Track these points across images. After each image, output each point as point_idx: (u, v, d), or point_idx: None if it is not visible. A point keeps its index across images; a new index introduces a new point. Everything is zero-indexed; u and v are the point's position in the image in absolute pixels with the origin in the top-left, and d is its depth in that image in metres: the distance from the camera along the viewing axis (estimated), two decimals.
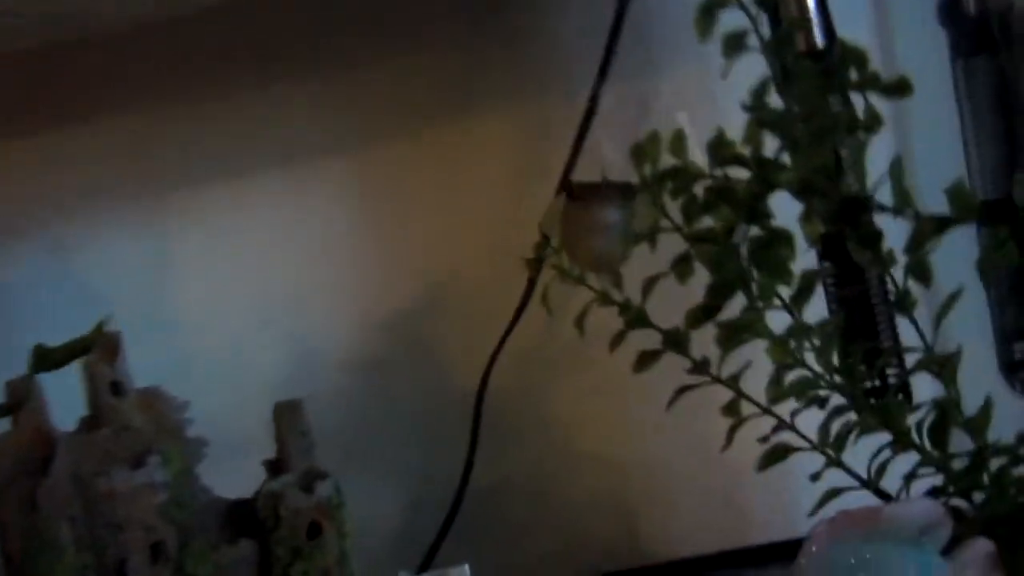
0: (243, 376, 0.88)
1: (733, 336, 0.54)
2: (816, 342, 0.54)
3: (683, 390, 0.57)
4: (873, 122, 0.54)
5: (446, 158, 0.88)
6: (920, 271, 0.51)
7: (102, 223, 0.90)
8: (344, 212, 0.89)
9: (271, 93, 0.89)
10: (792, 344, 0.54)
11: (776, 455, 0.56)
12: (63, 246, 0.89)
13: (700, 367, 0.58)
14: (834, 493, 0.56)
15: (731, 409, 0.58)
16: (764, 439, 0.57)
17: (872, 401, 0.57)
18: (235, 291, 0.89)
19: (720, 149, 0.57)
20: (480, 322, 0.88)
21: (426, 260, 0.88)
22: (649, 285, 0.58)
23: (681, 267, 0.57)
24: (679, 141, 0.62)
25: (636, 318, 0.58)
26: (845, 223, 0.53)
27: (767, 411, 0.56)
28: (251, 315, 0.89)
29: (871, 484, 0.55)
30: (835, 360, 0.55)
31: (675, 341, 0.57)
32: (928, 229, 0.50)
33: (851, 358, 0.55)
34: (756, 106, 0.55)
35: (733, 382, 0.56)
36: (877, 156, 0.52)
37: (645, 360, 0.59)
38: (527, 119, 0.86)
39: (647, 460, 0.87)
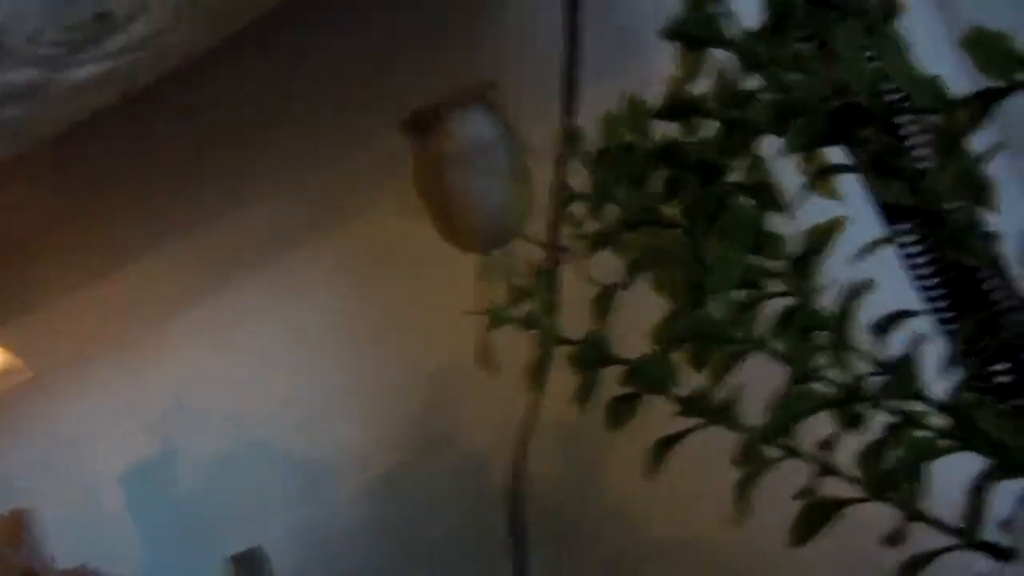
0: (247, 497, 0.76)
1: (706, 350, 0.36)
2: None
3: (669, 441, 0.40)
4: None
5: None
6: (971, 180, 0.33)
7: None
8: (335, 307, 0.77)
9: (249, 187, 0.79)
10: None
11: (818, 515, 0.37)
12: None
13: (691, 405, 0.40)
14: (926, 559, 0.36)
15: (750, 454, 0.39)
16: (806, 493, 0.39)
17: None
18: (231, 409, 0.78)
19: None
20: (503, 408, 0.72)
21: (429, 349, 0.74)
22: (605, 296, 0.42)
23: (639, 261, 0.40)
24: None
25: (550, 338, 0.41)
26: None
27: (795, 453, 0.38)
28: (252, 434, 0.78)
29: (970, 536, 0.35)
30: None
31: (648, 374, 0.40)
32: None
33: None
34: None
35: (725, 415, 0.38)
36: None
37: (618, 412, 0.42)
38: None
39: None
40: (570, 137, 0.46)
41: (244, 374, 0.80)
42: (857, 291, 0.37)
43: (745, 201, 0.36)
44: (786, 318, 0.35)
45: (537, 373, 0.45)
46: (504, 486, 0.68)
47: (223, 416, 0.83)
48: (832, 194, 0.43)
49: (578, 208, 0.49)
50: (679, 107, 0.43)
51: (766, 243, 0.38)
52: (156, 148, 0.81)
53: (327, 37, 0.77)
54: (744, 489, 0.37)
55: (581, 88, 0.62)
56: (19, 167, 0.77)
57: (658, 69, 0.65)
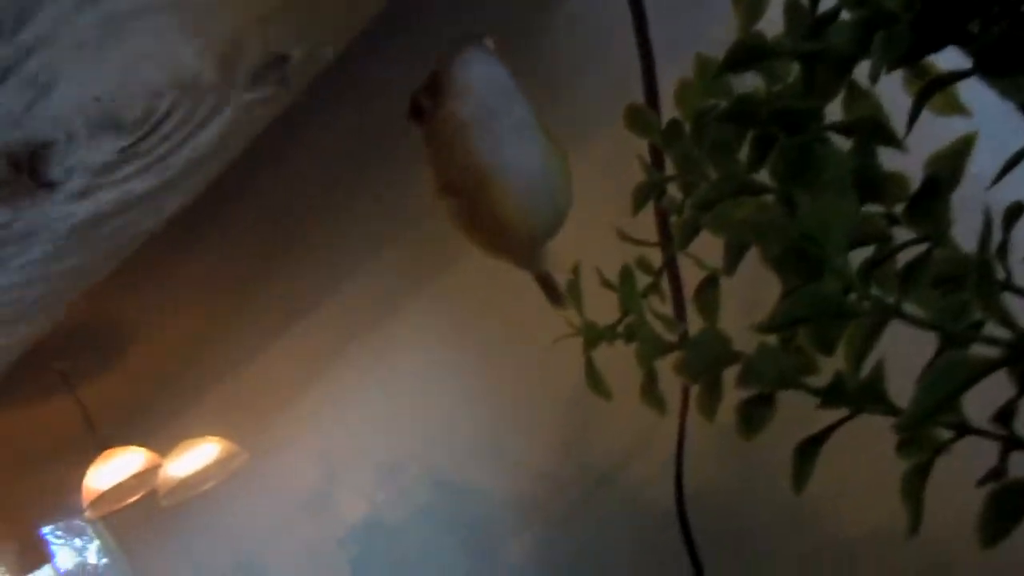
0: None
1: (830, 327, 0.30)
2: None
3: (814, 443, 0.33)
4: None
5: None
6: None
7: None
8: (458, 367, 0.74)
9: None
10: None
11: (1013, 502, 0.30)
12: None
13: (831, 395, 0.33)
14: None
15: (915, 439, 0.32)
16: (993, 475, 0.31)
17: None
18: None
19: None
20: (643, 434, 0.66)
21: (556, 382, 0.70)
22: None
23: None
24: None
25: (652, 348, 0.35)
26: None
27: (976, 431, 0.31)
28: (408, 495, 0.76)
29: None
30: None
31: (768, 368, 0.34)
32: None
33: None
34: None
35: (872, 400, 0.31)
36: None
37: (751, 418, 0.36)
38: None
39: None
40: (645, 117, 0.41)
41: (382, 437, 0.79)
42: (1010, 217, 0.29)
43: (842, 145, 0.30)
44: (917, 270, 0.28)
45: (649, 389, 0.39)
46: (669, 505, 0.63)
47: (378, 478, 0.81)
48: (954, 109, 0.36)
49: (669, 195, 0.43)
50: (746, 53, 0.37)
51: (880, 186, 0.32)
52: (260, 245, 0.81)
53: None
54: (914, 482, 0.30)
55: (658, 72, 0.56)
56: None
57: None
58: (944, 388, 0.24)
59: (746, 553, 0.63)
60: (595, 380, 0.41)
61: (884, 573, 0.58)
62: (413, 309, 0.78)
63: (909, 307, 0.28)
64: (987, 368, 0.25)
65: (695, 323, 0.41)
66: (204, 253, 0.79)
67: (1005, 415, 0.28)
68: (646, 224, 0.47)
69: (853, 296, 0.28)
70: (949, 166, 0.32)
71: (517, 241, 0.36)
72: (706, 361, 0.36)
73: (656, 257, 0.45)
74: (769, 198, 0.35)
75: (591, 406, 0.64)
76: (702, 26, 0.61)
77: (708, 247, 0.43)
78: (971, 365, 0.25)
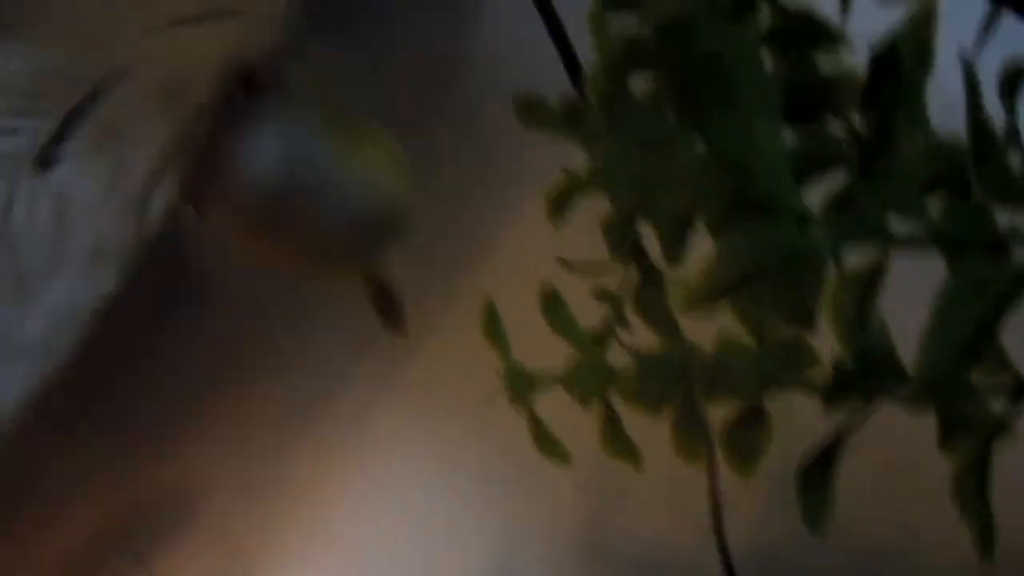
0: None
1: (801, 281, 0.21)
2: None
3: (822, 464, 0.24)
4: None
5: None
6: None
7: None
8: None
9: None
10: None
11: None
12: None
13: (836, 390, 0.24)
14: None
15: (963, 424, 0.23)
16: None
17: None
18: None
19: None
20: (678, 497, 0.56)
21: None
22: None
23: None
24: None
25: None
26: None
27: None
28: None
29: None
30: None
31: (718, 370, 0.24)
32: None
33: None
34: None
35: None
36: None
37: (738, 440, 0.27)
38: None
39: None
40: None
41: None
42: (1011, 82, 0.21)
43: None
44: (885, 162, 0.19)
45: (614, 435, 0.30)
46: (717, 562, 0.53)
47: None
48: None
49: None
50: None
51: (825, 92, 0.23)
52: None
53: None
54: (970, 486, 0.21)
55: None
56: None
57: None
58: (969, 318, 0.15)
59: None
60: (544, 440, 0.32)
61: None
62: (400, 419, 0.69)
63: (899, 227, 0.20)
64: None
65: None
66: None
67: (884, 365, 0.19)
68: None
69: (821, 233, 0.20)
70: (910, 43, 0.23)
71: (343, 261, 0.29)
72: (666, 382, 0.27)
73: None
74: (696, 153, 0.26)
75: (613, 477, 0.55)
76: None
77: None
78: (1002, 276, 0.15)
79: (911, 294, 0.25)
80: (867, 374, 0.23)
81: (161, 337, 0.69)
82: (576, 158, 0.39)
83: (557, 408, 0.49)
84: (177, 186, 0.26)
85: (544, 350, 0.43)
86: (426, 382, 0.65)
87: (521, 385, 0.31)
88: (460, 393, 0.64)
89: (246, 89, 0.25)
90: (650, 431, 0.40)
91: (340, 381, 0.70)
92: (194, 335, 0.70)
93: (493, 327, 0.32)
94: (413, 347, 0.64)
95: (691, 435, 0.29)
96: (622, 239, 0.32)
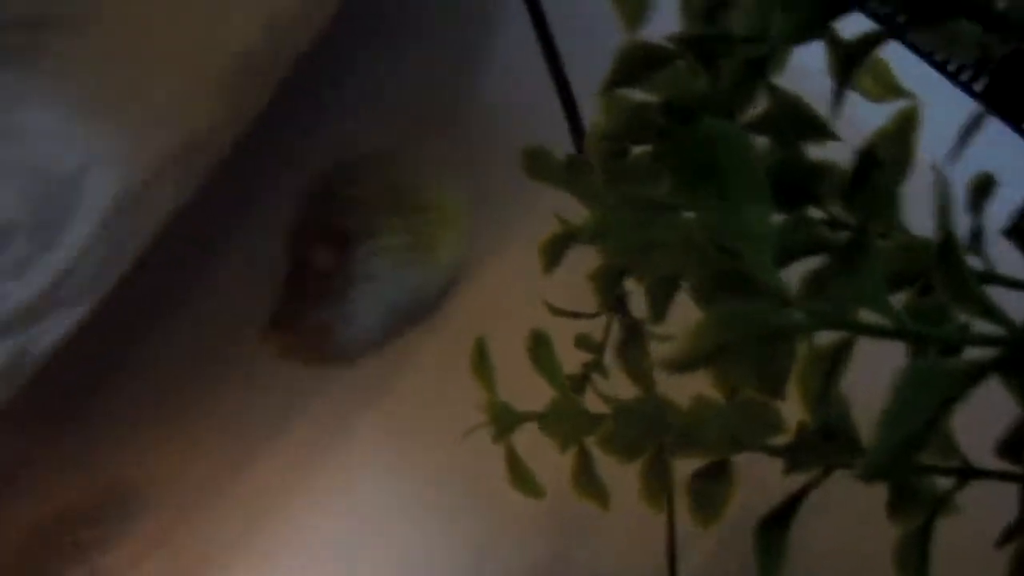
0: None
1: (772, 353, 0.22)
2: None
3: (779, 521, 0.26)
4: None
5: None
6: None
7: None
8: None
9: None
10: None
11: None
12: None
13: (799, 451, 0.26)
14: None
15: (907, 495, 0.25)
16: (1017, 530, 0.24)
17: None
18: None
19: None
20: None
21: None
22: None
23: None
24: None
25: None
26: None
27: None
28: None
29: None
30: None
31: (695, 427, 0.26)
32: None
33: None
34: None
35: None
36: None
37: (703, 493, 0.28)
38: None
39: None
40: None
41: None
42: (979, 192, 0.23)
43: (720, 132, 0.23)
44: (860, 258, 0.21)
45: (585, 477, 0.32)
46: None
47: None
48: (889, 90, 0.29)
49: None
50: (633, 61, 0.31)
51: (809, 179, 0.25)
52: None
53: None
54: (911, 553, 0.23)
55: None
56: None
57: None
58: (920, 408, 0.17)
59: None
60: (521, 476, 0.34)
61: None
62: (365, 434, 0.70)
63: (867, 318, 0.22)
64: (976, 374, 0.17)
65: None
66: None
67: (1013, 446, 0.21)
68: None
69: (796, 315, 0.21)
70: (892, 146, 0.25)
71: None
72: (640, 432, 0.29)
73: None
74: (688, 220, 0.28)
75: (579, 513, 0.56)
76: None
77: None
78: (952, 373, 0.17)
79: (876, 370, 0.27)
80: (827, 443, 0.25)
81: (134, 336, 0.71)
82: (564, 205, 0.41)
83: (526, 442, 0.51)
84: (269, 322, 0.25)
85: (515, 387, 0.45)
86: (401, 406, 0.67)
87: (505, 423, 0.33)
88: (434, 418, 0.65)
89: (334, 249, 0.25)
90: (616, 469, 0.42)
91: (317, 394, 0.71)
92: (172, 337, 0.71)
93: (482, 364, 0.34)
94: (392, 368, 0.66)
95: (657, 484, 0.31)
96: (609, 291, 0.34)
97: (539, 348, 0.33)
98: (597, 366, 0.37)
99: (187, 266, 0.70)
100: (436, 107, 0.63)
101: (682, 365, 0.21)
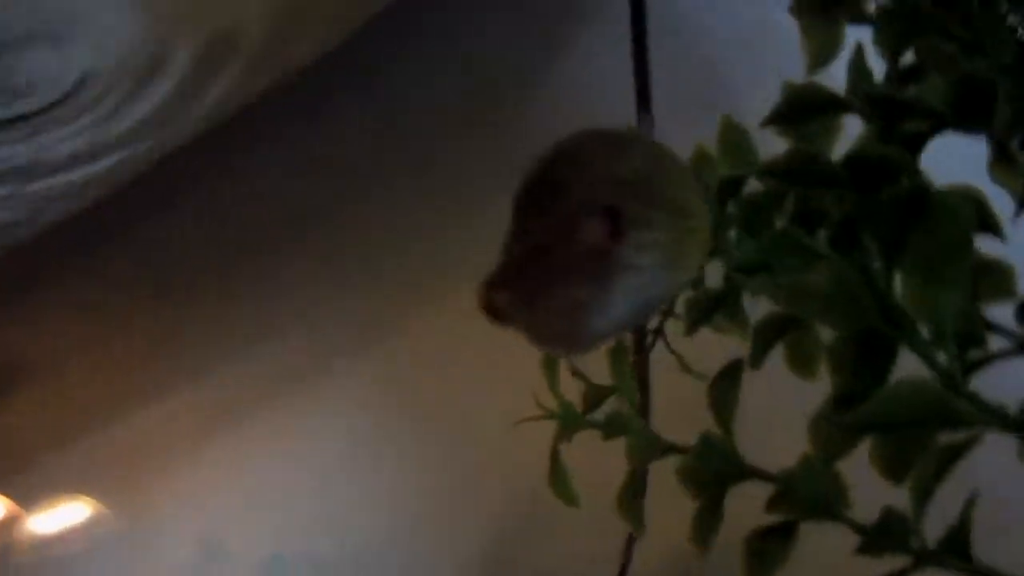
0: None
1: (910, 446, 0.22)
2: None
3: None
4: None
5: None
6: None
7: None
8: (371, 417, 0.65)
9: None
10: None
11: None
12: None
13: (883, 537, 0.26)
14: None
15: None
16: None
17: None
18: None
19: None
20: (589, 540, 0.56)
21: (502, 471, 0.60)
22: None
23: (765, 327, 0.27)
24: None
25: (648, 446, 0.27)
26: None
27: None
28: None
29: None
30: None
31: (809, 492, 0.26)
32: None
33: None
34: None
35: None
36: None
37: (766, 554, 0.28)
38: None
39: None
40: None
41: (286, 508, 0.68)
42: None
43: (955, 206, 0.23)
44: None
45: (630, 498, 0.31)
46: None
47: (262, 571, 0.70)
48: None
49: None
50: (806, 102, 0.30)
51: (981, 276, 0.25)
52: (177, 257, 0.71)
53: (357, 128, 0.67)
54: None
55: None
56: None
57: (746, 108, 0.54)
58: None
59: None
60: (560, 480, 0.32)
61: None
62: (347, 373, 0.68)
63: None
64: None
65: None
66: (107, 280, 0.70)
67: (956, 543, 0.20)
68: None
69: (965, 404, 0.21)
70: None
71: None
72: (713, 473, 0.28)
73: None
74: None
75: (543, 510, 0.55)
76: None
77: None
78: None
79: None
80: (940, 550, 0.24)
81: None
82: None
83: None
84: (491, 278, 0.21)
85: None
86: (395, 350, 0.65)
87: (570, 423, 0.32)
88: (430, 376, 0.64)
89: (612, 228, 0.21)
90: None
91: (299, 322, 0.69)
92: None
93: (551, 361, 0.33)
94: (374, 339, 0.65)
95: (710, 525, 0.30)
96: (695, 324, 0.33)
97: (618, 355, 0.32)
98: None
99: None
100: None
101: (860, 428, 0.20)
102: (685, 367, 0.36)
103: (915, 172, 0.25)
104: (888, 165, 0.24)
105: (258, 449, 0.70)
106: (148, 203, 0.64)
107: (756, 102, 0.35)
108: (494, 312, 0.20)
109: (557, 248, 0.20)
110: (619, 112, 0.53)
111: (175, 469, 0.76)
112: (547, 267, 0.20)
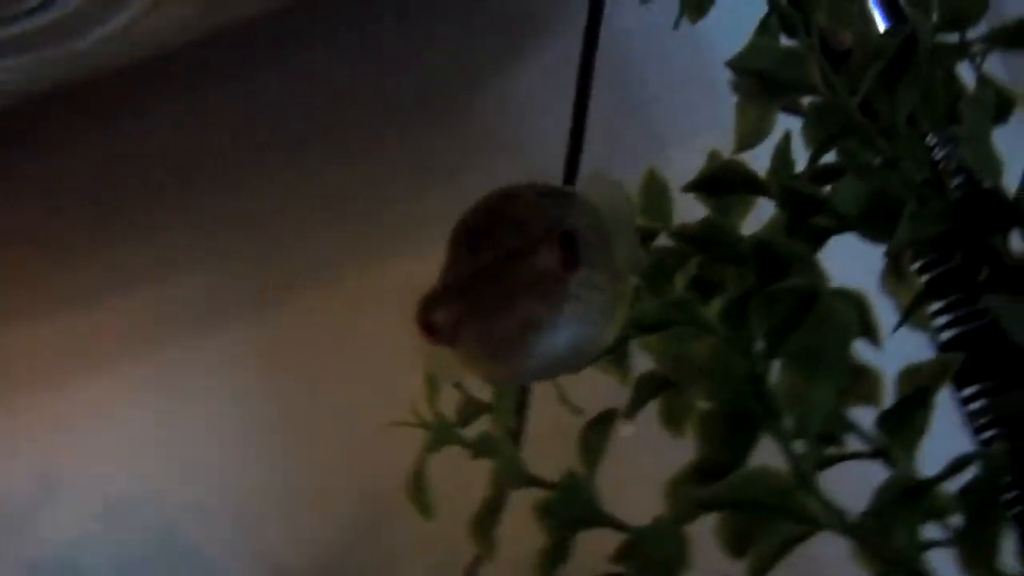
0: None
1: (754, 527, 0.23)
2: None
3: None
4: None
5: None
6: None
7: None
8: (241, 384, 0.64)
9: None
10: None
11: None
12: None
13: None
14: None
15: None
16: None
17: None
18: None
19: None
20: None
21: (366, 463, 0.60)
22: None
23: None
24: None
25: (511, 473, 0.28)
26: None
27: None
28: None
29: None
30: None
31: (655, 550, 0.27)
32: None
33: None
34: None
35: None
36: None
37: None
38: None
39: None
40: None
41: (149, 462, 0.66)
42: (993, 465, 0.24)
43: (840, 310, 0.24)
44: (888, 493, 0.22)
45: (486, 522, 0.32)
46: None
47: (104, 511, 0.68)
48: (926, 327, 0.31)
49: None
50: (727, 178, 0.31)
51: (854, 381, 0.26)
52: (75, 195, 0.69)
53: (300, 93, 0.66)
54: None
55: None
56: None
57: (680, 159, 0.55)
58: None
59: None
60: (419, 491, 0.33)
61: None
62: (234, 329, 0.67)
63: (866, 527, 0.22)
64: None
65: None
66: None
67: None
68: None
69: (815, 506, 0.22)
70: (928, 386, 0.26)
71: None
72: (569, 514, 0.29)
73: None
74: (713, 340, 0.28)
75: (394, 512, 0.56)
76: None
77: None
78: None
79: None
80: None
81: None
82: None
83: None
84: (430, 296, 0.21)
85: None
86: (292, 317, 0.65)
87: (440, 436, 0.32)
88: (314, 352, 0.63)
89: (567, 255, 0.21)
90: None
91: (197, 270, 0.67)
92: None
93: (434, 382, 0.33)
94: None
95: (556, 560, 0.30)
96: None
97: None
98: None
99: None
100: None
101: (710, 505, 0.21)
102: (564, 399, 0.37)
103: (812, 268, 0.26)
104: (789, 257, 0.26)
105: (141, 397, 0.69)
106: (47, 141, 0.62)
107: (694, 154, 0.36)
108: (430, 329, 0.20)
109: (513, 267, 0.20)
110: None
111: (25, 399, 0.73)
112: (501, 284, 0.20)
